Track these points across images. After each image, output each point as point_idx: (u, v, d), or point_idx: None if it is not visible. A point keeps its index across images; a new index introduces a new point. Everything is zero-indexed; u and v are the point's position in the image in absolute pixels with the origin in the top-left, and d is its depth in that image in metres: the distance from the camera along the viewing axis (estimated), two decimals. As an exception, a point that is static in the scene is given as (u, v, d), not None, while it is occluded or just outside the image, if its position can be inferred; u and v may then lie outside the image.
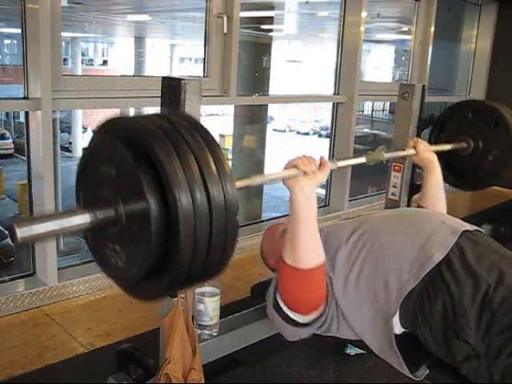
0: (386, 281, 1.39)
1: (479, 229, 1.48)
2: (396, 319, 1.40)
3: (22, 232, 0.83)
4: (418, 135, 2.30)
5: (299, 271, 1.37)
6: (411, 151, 1.88)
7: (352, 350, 1.86)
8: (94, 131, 0.99)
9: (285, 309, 1.45)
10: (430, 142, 2.07)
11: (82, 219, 0.90)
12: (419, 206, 1.88)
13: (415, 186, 2.34)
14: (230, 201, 0.90)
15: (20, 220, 0.85)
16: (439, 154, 1.94)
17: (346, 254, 1.48)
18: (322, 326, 1.49)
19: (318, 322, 1.47)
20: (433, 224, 1.47)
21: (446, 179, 2.30)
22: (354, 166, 3.43)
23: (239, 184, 1.23)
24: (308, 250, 1.38)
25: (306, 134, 20.02)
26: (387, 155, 1.79)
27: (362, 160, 1.68)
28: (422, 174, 1.93)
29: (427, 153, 1.88)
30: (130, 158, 0.88)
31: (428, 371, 1.46)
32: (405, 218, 1.61)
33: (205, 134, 0.93)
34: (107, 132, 0.96)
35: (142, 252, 0.90)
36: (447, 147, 2.16)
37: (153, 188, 0.86)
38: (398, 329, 1.42)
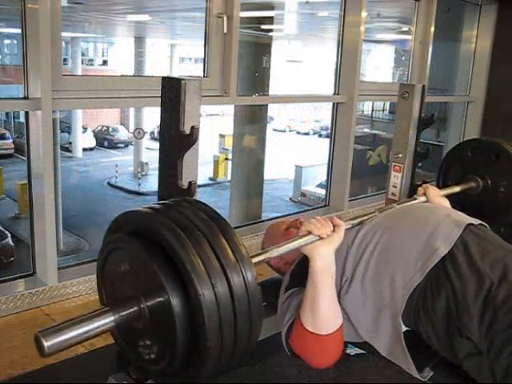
0: (391, 277, 1.38)
1: (483, 223, 1.48)
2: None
3: (49, 346, 0.83)
4: (418, 135, 2.30)
5: (319, 337, 1.37)
6: (422, 198, 1.87)
7: (352, 350, 1.86)
8: (108, 228, 1.00)
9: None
10: (439, 188, 2.06)
11: (106, 320, 0.91)
12: None
13: (415, 186, 2.34)
14: (251, 287, 0.90)
15: (46, 332, 0.85)
16: (451, 197, 1.94)
17: (353, 254, 1.48)
18: None
19: None
20: (437, 217, 1.47)
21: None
22: (354, 166, 3.46)
23: (256, 260, 1.22)
24: (328, 316, 1.37)
25: (306, 133, 20.03)
26: (399, 206, 1.73)
27: (374, 214, 1.62)
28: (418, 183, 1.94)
29: (438, 198, 1.87)
30: (146, 252, 0.88)
31: (432, 373, 1.46)
32: (409, 212, 1.61)
33: (218, 220, 0.93)
34: (121, 229, 0.97)
35: (169, 345, 0.89)
36: (456, 189, 2.17)
37: (172, 280, 0.86)
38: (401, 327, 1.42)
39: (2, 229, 8.37)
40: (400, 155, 2.28)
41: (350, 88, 3.30)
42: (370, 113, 11.12)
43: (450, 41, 4.96)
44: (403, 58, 5.08)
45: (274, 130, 17.81)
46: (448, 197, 1.93)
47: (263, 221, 3.47)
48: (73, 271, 2.26)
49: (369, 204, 3.65)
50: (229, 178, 12.76)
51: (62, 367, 1.71)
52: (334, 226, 1.41)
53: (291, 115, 19.47)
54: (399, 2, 4.79)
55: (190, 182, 1.30)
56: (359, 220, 1.58)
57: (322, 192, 3.63)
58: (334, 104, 3.43)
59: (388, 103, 9.13)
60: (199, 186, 1.44)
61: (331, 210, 3.45)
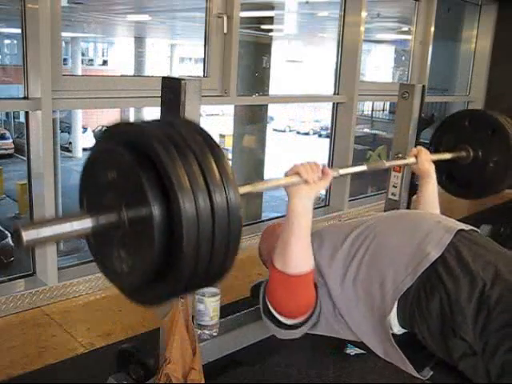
0: (382, 280, 1.40)
1: (475, 228, 1.49)
2: (394, 318, 1.40)
3: (27, 235, 0.83)
4: (418, 135, 2.30)
5: (287, 276, 1.38)
6: (412, 159, 1.90)
7: (352, 350, 1.86)
8: (97, 137, 0.99)
9: (273, 312, 1.46)
10: (430, 152, 2.07)
11: (84, 224, 0.91)
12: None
13: (415, 186, 2.34)
14: (232, 208, 0.91)
15: (26, 224, 0.85)
16: (440, 163, 1.95)
17: (343, 255, 1.49)
18: (318, 324, 1.50)
19: (307, 324, 1.48)
20: (428, 224, 1.48)
21: (448, 190, 2.31)
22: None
23: (242, 190, 1.22)
24: (298, 257, 1.39)
25: (306, 133, 20.02)
26: (388, 163, 1.80)
27: (363, 168, 1.68)
28: (419, 184, 1.95)
29: (427, 163, 1.90)
30: (134, 163, 0.88)
31: (432, 372, 1.46)
32: (400, 218, 1.62)
33: (209, 140, 0.94)
34: (111, 137, 0.97)
35: (146, 257, 0.90)
36: (447, 156, 2.17)
37: (156, 193, 0.86)
38: (397, 328, 1.42)
39: (2, 229, 8.36)
40: (400, 155, 2.28)
41: (350, 88, 3.30)
42: (369, 113, 11.12)
43: (450, 41, 4.96)
44: (403, 58, 5.07)
45: (274, 129, 17.81)
46: (437, 163, 1.94)
47: (263, 221, 3.48)
48: (73, 271, 2.27)
49: (369, 204, 3.66)
50: (229, 178, 12.73)
51: (62, 367, 1.71)
52: (322, 173, 1.42)
53: (291, 115, 19.48)
54: (399, 2, 4.79)
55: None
56: (348, 171, 1.67)
57: (322, 192, 3.63)
58: (333, 104, 3.44)
59: (388, 103, 9.13)
60: (199, 186, 1.44)
61: (331, 210, 3.45)
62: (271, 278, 1.44)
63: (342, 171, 1.59)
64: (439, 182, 2.08)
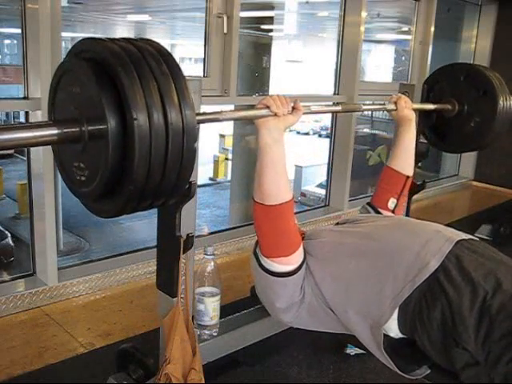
0: (380, 287, 1.38)
1: (474, 238, 1.48)
2: (392, 324, 1.39)
3: None
4: (418, 135, 2.30)
5: (266, 207, 1.40)
6: (391, 106, 1.86)
7: (352, 350, 1.86)
8: (67, 53, 1.06)
9: (260, 257, 1.47)
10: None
11: (50, 131, 0.97)
12: (386, 168, 1.87)
13: (415, 186, 2.34)
14: (188, 126, 0.96)
15: None
16: (423, 112, 1.92)
17: (338, 261, 1.48)
18: (299, 315, 1.48)
19: (292, 282, 1.46)
20: (427, 233, 1.46)
21: (427, 138, 2.32)
22: (354, 166, 3.46)
23: (203, 117, 1.25)
24: (272, 188, 1.39)
25: (306, 133, 20.01)
26: (365, 107, 1.79)
27: (337, 108, 1.68)
28: (396, 132, 1.91)
29: (407, 110, 1.85)
30: (94, 79, 0.93)
31: (429, 371, 1.46)
32: (399, 226, 1.60)
33: (171, 63, 0.98)
34: (77, 53, 1.03)
35: (102, 168, 0.96)
36: (431, 107, 2.17)
37: (113, 109, 0.92)
38: (395, 333, 1.42)
39: (2, 229, 8.36)
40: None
41: (349, 88, 3.30)
42: (369, 113, 11.11)
43: (450, 41, 4.96)
44: (403, 58, 5.07)
45: (274, 129, 17.76)
46: (423, 114, 1.92)
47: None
48: (73, 271, 2.27)
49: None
50: (229, 177, 12.76)
51: (62, 367, 1.71)
52: (293, 109, 1.42)
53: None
54: (399, 2, 4.79)
55: (190, 182, 1.30)
56: (319, 110, 1.70)
57: (322, 192, 3.63)
58: (334, 104, 3.43)
59: (388, 103, 9.11)
60: (199, 186, 1.44)
61: (331, 210, 3.45)
62: (254, 213, 1.45)
63: (315, 108, 1.60)
64: (421, 132, 2.08)
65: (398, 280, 1.36)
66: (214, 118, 1.30)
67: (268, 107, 1.37)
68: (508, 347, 1.20)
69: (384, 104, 1.89)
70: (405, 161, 1.85)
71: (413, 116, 1.86)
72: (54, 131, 0.97)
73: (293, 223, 1.46)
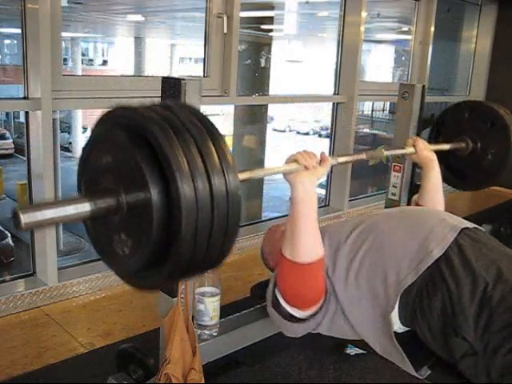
0: (384, 276, 1.39)
1: (479, 227, 1.49)
2: (395, 316, 1.40)
3: (26, 218, 0.83)
4: (418, 135, 2.30)
5: (298, 265, 1.38)
6: (410, 149, 1.89)
7: (352, 350, 1.86)
8: (96, 120, 0.99)
9: (284, 304, 1.46)
10: (430, 143, 2.08)
11: (83, 207, 0.91)
12: (417, 205, 1.89)
13: (415, 186, 2.34)
14: (232, 192, 0.90)
15: (24, 207, 0.85)
16: (438, 154, 1.95)
17: (346, 251, 1.49)
18: (321, 323, 1.49)
19: (315, 318, 1.47)
20: (432, 221, 1.47)
21: (446, 180, 2.31)
22: (354, 166, 3.46)
23: (242, 176, 1.22)
24: (307, 245, 1.39)
25: (306, 133, 20.00)
26: (387, 152, 1.81)
27: (362, 157, 1.69)
28: (421, 174, 1.94)
29: (426, 151, 1.88)
30: (132, 146, 0.88)
31: (430, 372, 1.46)
32: (405, 215, 1.62)
33: (208, 125, 0.93)
34: (110, 121, 0.97)
35: (144, 241, 0.90)
36: (446, 147, 2.17)
37: (155, 177, 0.86)
38: (398, 326, 1.42)
39: (2, 229, 8.36)
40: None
41: (350, 88, 3.30)
42: (370, 113, 11.11)
43: (450, 41, 4.96)
44: (403, 58, 5.07)
45: (274, 129, 17.80)
46: (437, 154, 1.93)
47: (263, 221, 3.47)
48: (73, 271, 2.27)
49: (369, 204, 3.66)
50: (229, 178, 12.73)
51: (62, 367, 1.71)
52: (321, 160, 1.43)
53: (291, 115, 19.47)
54: (399, 2, 4.79)
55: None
56: (347, 159, 1.70)
57: (322, 192, 3.63)
58: (334, 104, 3.44)
59: (388, 103, 9.12)
60: (199, 186, 1.44)
61: (331, 210, 3.45)
62: (281, 268, 1.43)
63: (341, 159, 1.61)
64: None
65: (401, 268, 1.37)
66: (251, 177, 1.28)
67: (297, 161, 1.38)
68: (507, 339, 1.20)
69: (403, 148, 1.92)
70: (434, 200, 1.86)
71: (434, 156, 1.89)
72: (88, 207, 0.91)
73: (323, 277, 1.44)
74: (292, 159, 1.40)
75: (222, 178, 0.89)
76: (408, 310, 1.37)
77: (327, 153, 3.58)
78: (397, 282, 1.37)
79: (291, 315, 1.47)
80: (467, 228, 1.44)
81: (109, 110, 0.97)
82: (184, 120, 0.91)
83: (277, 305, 1.47)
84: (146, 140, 0.88)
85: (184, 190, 0.84)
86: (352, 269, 1.45)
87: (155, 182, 0.86)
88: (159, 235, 0.88)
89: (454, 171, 2.29)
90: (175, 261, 0.90)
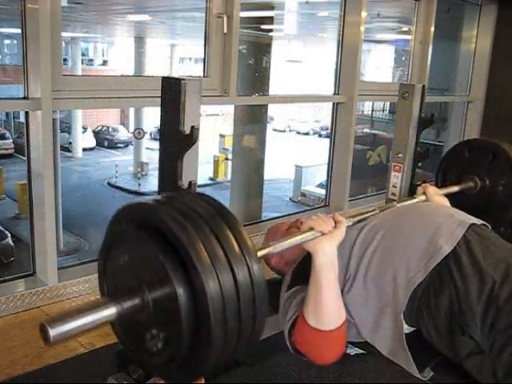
0: (394, 274, 1.39)
1: (486, 223, 1.49)
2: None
3: (54, 332, 0.86)
4: (418, 135, 2.30)
5: (322, 333, 1.38)
6: (422, 197, 1.89)
7: (352, 350, 1.86)
8: (111, 220, 0.99)
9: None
10: (438, 187, 2.07)
11: (109, 311, 0.90)
12: None
13: (415, 187, 2.34)
14: (256, 281, 0.90)
15: (51, 319, 0.87)
16: (450, 198, 1.95)
17: (355, 251, 1.48)
18: None
19: None
20: (440, 217, 1.47)
21: None
22: (354, 167, 3.46)
23: (261, 253, 1.22)
24: (331, 312, 1.38)
25: (306, 133, 20.02)
26: (399, 205, 1.76)
27: (375, 212, 1.64)
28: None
29: (437, 197, 1.89)
30: (153, 245, 0.88)
31: (432, 373, 1.46)
32: (412, 212, 1.61)
33: (221, 210, 0.93)
34: (126, 220, 0.96)
35: (173, 339, 0.90)
36: (455, 189, 2.18)
37: (178, 272, 0.86)
38: (404, 326, 1.42)
39: (2, 229, 8.37)
40: (400, 155, 2.28)
41: (349, 88, 3.30)
42: (370, 113, 11.12)
43: (450, 41, 4.96)
44: (403, 58, 5.07)
45: (274, 129, 17.81)
46: (447, 196, 1.94)
47: (263, 221, 3.47)
48: (73, 271, 2.26)
49: (369, 204, 3.65)
50: (229, 177, 12.75)
51: (62, 367, 1.71)
52: (335, 223, 1.42)
53: (291, 115, 19.47)
54: (399, 2, 4.79)
55: (190, 182, 1.30)
56: (360, 217, 1.59)
57: (322, 192, 3.63)
58: (333, 104, 3.43)
59: (388, 103, 9.13)
60: (199, 186, 1.44)
61: (331, 210, 3.45)
62: (303, 332, 1.42)
63: (355, 219, 1.56)
64: None
65: (411, 266, 1.37)
66: (270, 252, 1.27)
67: (312, 228, 1.38)
68: None
69: (415, 197, 1.91)
70: None
71: (445, 200, 1.90)
72: (114, 310, 0.90)
73: (344, 341, 1.45)
74: (307, 227, 1.39)
75: (245, 266, 0.88)
76: (414, 309, 1.37)
77: (327, 152, 3.59)
78: (407, 280, 1.36)
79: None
80: (475, 224, 1.44)
81: (123, 208, 0.97)
82: (198, 210, 0.90)
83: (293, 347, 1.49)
84: (163, 234, 0.87)
85: (209, 284, 0.84)
86: (360, 269, 1.45)
87: (178, 275, 0.85)
88: (188, 330, 0.87)
89: (469, 210, 2.28)
90: (207, 355, 0.88)
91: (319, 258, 1.37)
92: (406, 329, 1.44)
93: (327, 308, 1.37)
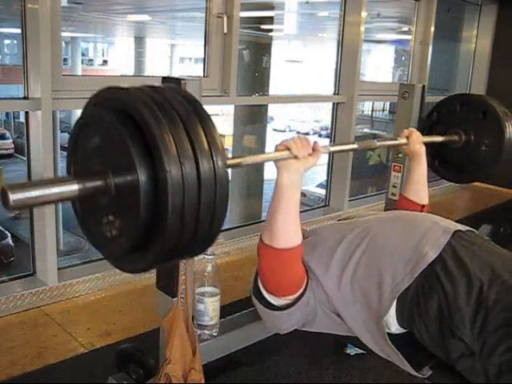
0: (379, 280, 1.40)
1: (472, 229, 1.49)
2: (392, 318, 1.40)
3: (14, 196, 0.84)
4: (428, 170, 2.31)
5: (274, 250, 1.39)
6: (403, 141, 1.91)
7: (352, 350, 1.86)
8: (87, 101, 1.00)
9: (263, 292, 1.48)
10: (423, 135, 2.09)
11: (71, 187, 0.92)
12: (402, 197, 1.90)
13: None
14: (220, 176, 0.91)
15: (13, 185, 0.86)
16: (434, 148, 1.96)
17: (340, 257, 1.49)
18: (312, 322, 1.50)
19: (297, 310, 1.48)
20: (425, 225, 1.48)
21: (442, 175, 2.32)
22: (354, 167, 3.46)
23: (231, 162, 1.23)
24: (285, 231, 1.39)
25: (306, 134, 20.02)
26: (379, 143, 1.83)
27: (354, 146, 1.71)
28: (409, 166, 1.99)
29: (418, 145, 1.91)
30: (121, 128, 0.89)
31: (431, 372, 1.46)
32: (398, 218, 1.62)
33: (199, 110, 0.94)
34: (99, 103, 0.97)
35: (131, 222, 0.91)
36: (439, 139, 2.19)
37: (143, 159, 0.87)
38: (395, 327, 1.42)
39: (2, 229, 8.36)
40: (400, 155, 2.28)
41: (350, 88, 3.30)
42: (370, 113, 11.11)
43: (450, 41, 4.96)
44: (403, 58, 5.07)
45: (274, 129, 17.81)
46: (431, 147, 1.96)
47: (263, 221, 3.47)
48: (73, 271, 2.27)
49: (369, 204, 3.65)
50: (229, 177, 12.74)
51: (62, 367, 1.71)
52: (312, 150, 1.43)
53: (291, 115, 19.48)
54: (399, 2, 4.79)
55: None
56: (340, 148, 1.78)
57: (322, 192, 3.63)
58: (334, 104, 3.43)
59: (388, 103, 9.12)
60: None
61: (331, 210, 3.45)
62: (261, 253, 1.45)
63: (333, 148, 1.65)
64: (431, 167, 2.10)
65: (396, 272, 1.38)
66: (239, 163, 1.28)
67: (289, 149, 1.38)
68: (503, 338, 1.21)
69: (396, 139, 1.95)
70: (419, 191, 1.91)
71: (423, 151, 1.93)
72: (75, 186, 0.92)
73: (299, 266, 1.46)
74: (285, 146, 1.39)
75: (210, 162, 0.90)
76: (405, 312, 1.38)
77: (327, 152, 3.58)
78: (392, 286, 1.37)
79: (268, 302, 1.49)
80: (460, 231, 1.44)
81: (99, 91, 0.98)
82: (174, 103, 0.92)
83: (258, 293, 1.50)
84: (135, 122, 0.89)
85: (171, 173, 0.85)
86: (346, 273, 1.46)
87: (143, 163, 0.87)
88: (146, 217, 0.89)
89: (450, 165, 2.30)
90: (161, 243, 0.90)
91: (282, 176, 1.39)
92: (399, 330, 1.44)
93: (281, 226, 1.38)
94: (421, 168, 1.92)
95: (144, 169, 0.87)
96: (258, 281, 1.49)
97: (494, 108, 2.17)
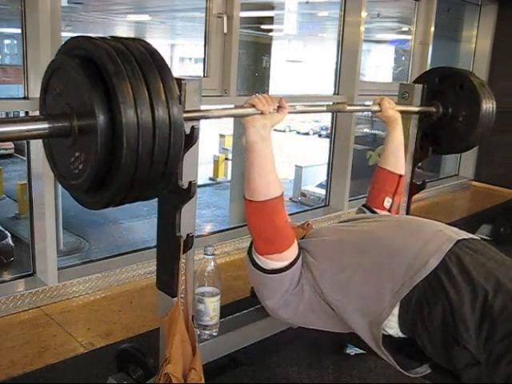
0: (379, 286, 1.38)
1: (475, 237, 1.48)
2: (394, 321, 1.39)
3: None
4: (418, 135, 2.30)
5: (256, 203, 1.43)
6: (375, 107, 1.94)
7: (352, 350, 1.86)
8: (58, 50, 1.10)
9: (254, 255, 1.50)
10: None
11: (41, 125, 1.02)
12: (379, 169, 1.91)
13: (415, 186, 2.34)
14: (174, 121, 1.00)
15: None
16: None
17: (340, 261, 1.48)
18: (302, 300, 1.49)
19: (287, 275, 1.48)
20: (428, 232, 1.47)
21: (421, 148, 2.35)
22: (354, 167, 3.46)
23: (191, 115, 1.26)
24: (262, 184, 1.43)
25: (306, 133, 20.02)
26: (349, 108, 1.86)
27: (322, 109, 1.74)
28: (385, 135, 2.00)
29: (391, 110, 1.93)
30: (84, 76, 0.98)
31: (430, 370, 1.46)
32: (401, 225, 1.61)
33: (159, 61, 1.02)
34: (68, 51, 1.07)
35: (91, 161, 1.00)
36: (413, 109, 2.22)
37: (102, 105, 0.96)
38: (394, 331, 1.42)
39: (2, 229, 8.36)
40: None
41: (349, 88, 3.30)
42: (370, 113, 11.11)
43: (450, 41, 4.96)
44: (403, 58, 5.07)
45: (274, 129, 17.79)
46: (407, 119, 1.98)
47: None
48: (73, 271, 2.27)
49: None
50: (229, 177, 12.75)
51: (62, 367, 1.72)
52: (278, 107, 1.45)
53: (291, 115, 19.48)
54: (399, 2, 4.80)
55: (189, 182, 1.30)
56: (306, 109, 1.77)
57: (322, 192, 3.63)
58: (334, 104, 3.43)
59: (388, 103, 9.11)
60: (199, 186, 1.44)
61: (331, 210, 3.45)
62: (246, 211, 1.49)
63: (300, 107, 1.67)
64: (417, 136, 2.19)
65: (397, 278, 1.36)
66: (201, 116, 1.32)
67: (254, 106, 1.41)
68: (510, 348, 1.20)
69: (369, 106, 1.97)
70: (396, 160, 1.92)
71: (398, 115, 1.95)
72: (45, 125, 1.02)
73: (284, 219, 1.48)
74: (250, 102, 1.42)
75: (166, 109, 0.98)
76: (408, 320, 1.37)
77: (327, 153, 3.59)
78: (392, 292, 1.36)
79: (267, 269, 1.49)
80: (464, 239, 1.43)
81: (69, 40, 1.07)
82: (134, 52, 0.99)
83: (252, 258, 1.51)
84: (98, 69, 0.97)
85: (127, 116, 0.94)
86: (343, 276, 1.45)
87: (102, 108, 0.95)
88: (103, 156, 0.98)
89: (428, 137, 2.33)
90: (118, 180, 1.00)
91: (250, 135, 1.42)
92: (398, 334, 1.43)
93: (257, 180, 1.42)
94: (397, 132, 1.94)
95: (102, 112, 0.95)
96: (253, 246, 1.52)
97: (470, 80, 2.20)
